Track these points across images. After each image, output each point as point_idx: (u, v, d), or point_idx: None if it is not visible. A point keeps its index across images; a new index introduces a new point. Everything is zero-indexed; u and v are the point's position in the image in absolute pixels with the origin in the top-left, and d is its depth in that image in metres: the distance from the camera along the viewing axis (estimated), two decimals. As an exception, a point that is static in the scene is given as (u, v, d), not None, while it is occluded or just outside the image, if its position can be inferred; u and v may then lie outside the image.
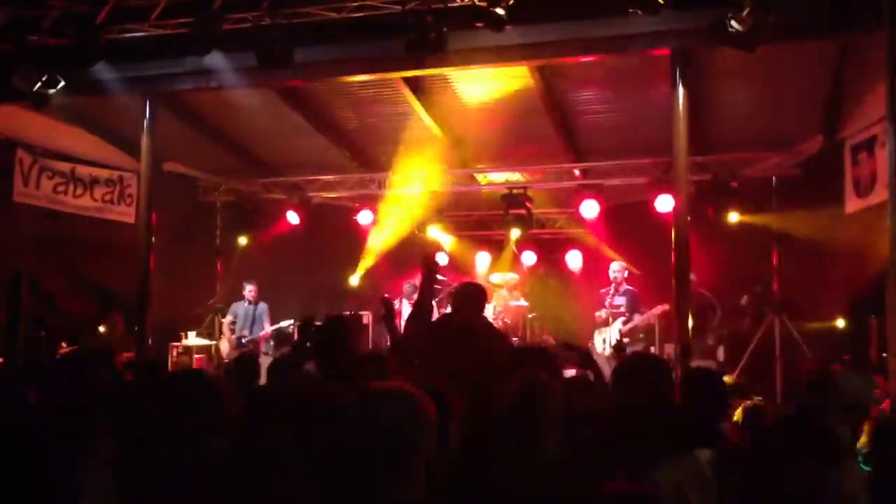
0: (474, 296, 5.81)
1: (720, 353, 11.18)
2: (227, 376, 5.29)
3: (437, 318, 6.25)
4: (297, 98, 10.83)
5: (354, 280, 13.98)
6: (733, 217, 11.13)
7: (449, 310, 6.43)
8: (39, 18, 8.74)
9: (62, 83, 8.98)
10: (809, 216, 10.85)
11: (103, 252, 11.10)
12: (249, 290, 12.09)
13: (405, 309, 11.52)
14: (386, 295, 6.04)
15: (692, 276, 9.02)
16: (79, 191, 11.67)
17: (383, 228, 13.87)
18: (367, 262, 13.96)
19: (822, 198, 10.61)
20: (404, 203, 13.62)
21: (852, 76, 9.20)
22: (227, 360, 11.15)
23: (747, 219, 11.26)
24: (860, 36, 7.98)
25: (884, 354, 7.41)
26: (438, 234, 12.95)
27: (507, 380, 3.40)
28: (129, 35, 8.81)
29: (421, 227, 12.92)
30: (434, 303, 7.06)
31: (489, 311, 12.30)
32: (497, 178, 13.16)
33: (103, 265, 10.80)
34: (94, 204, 11.89)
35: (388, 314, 5.73)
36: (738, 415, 5.34)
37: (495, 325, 11.80)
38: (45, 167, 11.19)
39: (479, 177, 13.18)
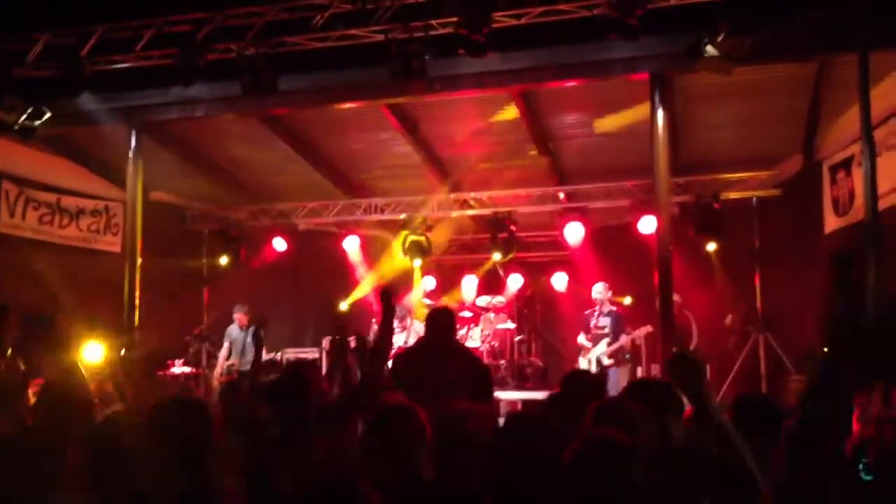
0: (446, 319, 5.90)
1: (706, 373, 11.23)
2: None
3: (413, 345, 6.31)
4: (282, 126, 10.91)
5: (344, 305, 14.00)
6: (715, 237, 11.25)
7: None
8: (25, 50, 8.81)
9: (48, 114, 9.02)
10: (790, 235, 10.98)
11: (89, 282, 11.07)
12: (238, 315, 11.88)
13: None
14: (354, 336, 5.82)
15: (676, 297, 9.11)
16: (65, 221, 11.67)
17: (370, 255, 13.95)
18: (358, 289, 13.99)
19: (802, 217, 10.75)
20: (389, 228, 13.72)
21: (829, 96, 9.36)
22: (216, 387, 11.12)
23: (730, 239, 11.39)
24: (835, 58, 8.14)
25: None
26: (422, 260, 13.00)
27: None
28: (113, 66, 8.88)
29: (407, 252, 12.96)
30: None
31: (476, 334, 12.35)
32: (482, 203, 13.25)
33: (89, 295, 10.76)
34: (79, 234, 11.88)
35: (361, 349, 5.42)
36: None
37: (482, 348, 11.91)
38: (31, 198, 11.19)
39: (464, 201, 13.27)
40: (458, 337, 6.41)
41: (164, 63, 8.71)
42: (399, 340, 10.98)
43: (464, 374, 5.43)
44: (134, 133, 10.03)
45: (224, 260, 13.11)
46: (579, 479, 2.48)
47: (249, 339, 11.93)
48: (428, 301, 12.65)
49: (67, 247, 11.66)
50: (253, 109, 9.68)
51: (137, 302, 9.85)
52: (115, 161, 10.81)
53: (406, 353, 6.27)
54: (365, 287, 13.97)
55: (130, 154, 10.06)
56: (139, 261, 10.03)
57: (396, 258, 13.46)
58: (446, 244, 14.53)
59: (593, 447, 2.55)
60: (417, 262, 12.98)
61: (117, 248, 11.89)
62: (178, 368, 11.65)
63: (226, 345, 12.02)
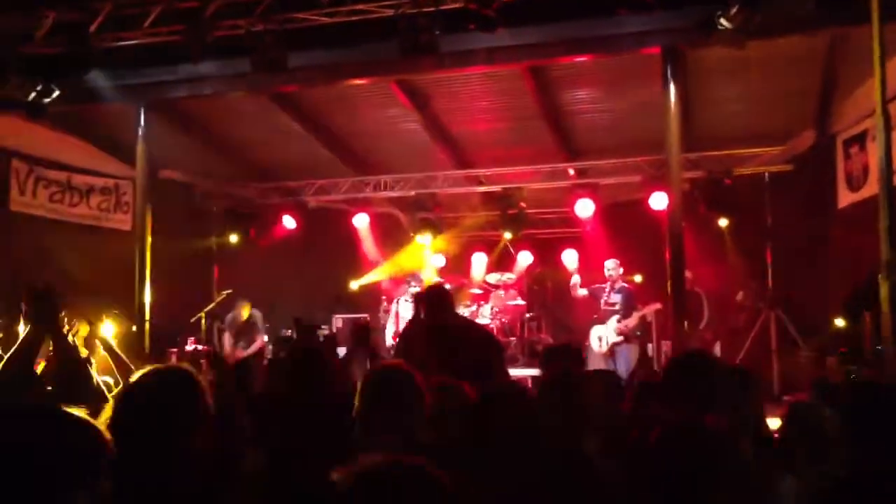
0: (443, 297, 5.91)
1: (717, 349, 11.23)
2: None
3: (413, 326, 6.23)
4: (291, 103, 10.87)
5: (355, 285, 14.02)
6: (727, 214, 11.20)
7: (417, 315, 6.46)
8: (33, 27, 8.78)
9: (57, 92, 9.01)
10: (802, 211, 10.92)
11: (100, 260, 11.10)
12: (237, 311, 11.60)
13: (403, 310, 11.52)
14: (365, 320, 5.80)
15: (687, 274, 9.07)
16: (75, 199, 11.70)
17: (380, 232, 13.96)
18: (370, 273, 14.00)
19: (814, 192, 10.68)
20: (399, 205, 13.71)
21: (843, 71, 9.26)
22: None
23: (741, 215, 11.33)
24: (849, 30, 8.04)
25: (878, 347, 7.45)
26: (432, 237, 13.00)
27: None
28: (122, 43, 8.84)
29: (417, 230, 12.95)
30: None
31: (486, 311, 12.36)
32: (492, 179, 13.21)
33: (100, 273, 10.80)
34: (90, 212, 11.91)
35: (363, 339, 5.42)
36: None
37: (492, 325, 11.91)
38: (41, 176, 11.22)
39: (474, 177, 13.23)
40: (456, 312, 6.35)
41: (172, 40, 8.66)
42: (409, 313, 11.03)
43: (479, 351, 5.45)
44: (143, 110, 10.00)
45: (234, 238, 13.14)
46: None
47: (257, 323, 11.89)
48: (439, 279, 12.64)
49: (78, 225, 11.70)
50: (262, 87, 9.64)
51: (148, 280, 9.87)
52: (124, 139, 10.80)
53: (411, 333, 6.18)
54: (377, 272, 13.99)
55: (139, 132, 10.04)
56: (149, 239, 10.04)
57: (407, 236, 13.47)
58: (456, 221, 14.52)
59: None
60: (427, 240, 12.97)
61: (128, 227, 11.92)
62: (191, 346, 11.70)
63: (227, 333, 11.84)
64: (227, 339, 11.83)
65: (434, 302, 5.79)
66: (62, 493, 1.68)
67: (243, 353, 11.49)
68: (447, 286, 6.65)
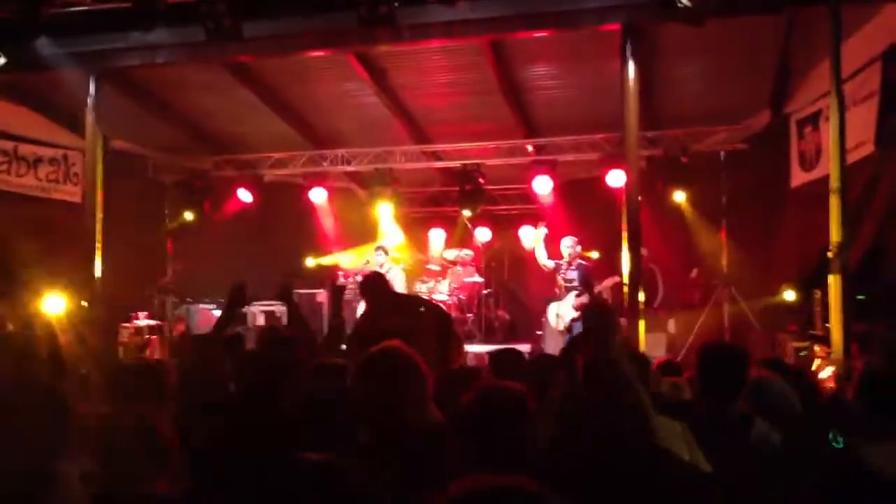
0: (381, 282, 6.17)
1: (671, 326, 11.37)
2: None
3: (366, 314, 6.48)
4: (247, 74, 10.68)
5: (311, 262, 13.89)
6: (683, 191, 11.30)
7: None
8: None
9: (3, 59, 8.72)
10: (757, 190, 11.06)
11: (49, 232, 10.85)
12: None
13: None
14: (338, 280, 6.39)
15: (643, 251, 9.14)
16: (22, 170, 11.38)
17: (336, 207, 13.83)
18: (333, 255, 13.90)
19: (768, 172, 10.82)
20: (356, 180, 13.59)
21: (798, 51, 9.34)
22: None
23: (697, 193, 11.45)
24: (805, 10, 8.11)
25: (826, 325, 7.60)
26: (389, 211, 12.91)
27: None
28: (71, 9, 8.57)
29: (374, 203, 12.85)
30: None
31: (443, 287, 12.35)
32: (450, 154, 13.16)
33: (49, 245, 10.56)
34: (38, 183, 11.61)
35: (337, 295, 5.98)
36: None
37: (449, 301, 11.91)
38: (-13, 146, 10.91)
39: (432, 153, 13.17)
40: (396, 292, 6.60)
41: (122, 7, 8.42)
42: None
43: (428, 320, 5.51)
44: (93, 79, 9.71)
45: (188, 214, 12.92)
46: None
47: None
48: (396, 254, 12.59)
49: (25, 196, 11.40)
50: (216, 56, 9.41)
51: (98, 253, 9.66)
52: (73, 108, 10.50)
53: (367, 320, 6.35)
54: (335, 256, 13.86)
55: (90, 101, 9.75)
56: (100, 212, 9.82)
57: (364, 211, 13.38)
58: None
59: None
60: (384, 214, 12.88)
61: (77, 198, 11.63)
62: (143, 321, 11.53)
63: None
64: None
65: (373, 290, 5.93)
66: None
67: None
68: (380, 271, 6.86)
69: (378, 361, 3.10)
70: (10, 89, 10.21)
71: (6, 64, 8.77)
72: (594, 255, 11.39)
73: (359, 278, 11.53)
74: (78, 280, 9.49)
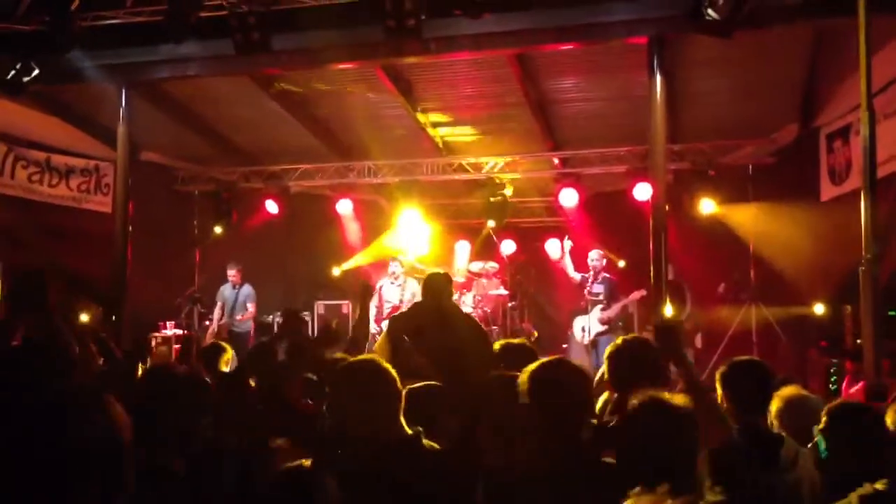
0: (443, 284, 6.04)
1: (698, 340, 11.27)
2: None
3: (412, 308, 6.56)
4: (275, 86, 10.76)
5: (337, 271, 13.93)
6: (710, 205, 11.21)
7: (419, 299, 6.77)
8: (12, 5, 8.62)
9: (36, 71, 8.85)
10: (785, 204, 10.94)
11: (79, 242, 10.99)
12: (232, 273, 12.06)
13: (386, 292, 11.40)
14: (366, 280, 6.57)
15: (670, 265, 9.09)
16: (54, 180, 11.56)
17: (363, 219, 13.88)
18: (353, 259, 13.94)
19: (797, 186, 10.71)
20: (382, 192, 13.62)
21: (828, 64, 9.26)
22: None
23: (724, 207, 11.34)
24: (835, 22, 8.03)
25: (858, 341, 7.48)
26: (414, 222, 12.92)
27: None
28: (103, 22, 8.70)
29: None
30: None
31: (468, 300, 12.32)
32: (476, 167, 13.16)
33: (79, 255, 10.68)
34: (69, 193, 11.78)
35: (364, 295, 6.14)
36: None
37: (474, 314, 11.87)
38: (20, 156, 11.07)
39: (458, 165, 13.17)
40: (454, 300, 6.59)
41: (153, 20, 8.54)
42: (393, 294, 11.00)
43: (468, 337, 5.50)
44: (124, 91, 9.86)
45: (217, 228, 13.03)
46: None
47: (241, 298, 11.99)
48: (420, 265, 12.58)
49: (57, 206, 11.56)
50: (245, 69, 9.53)
51: (128, 263, 9.76)
52: (105, 120, 10.67)
53: (405, 314, 6.41)
54: (358, 257, 13.92)
55: (121, 113, 9.90)
56: (129, 222, 9.93)
57: (390, 223, 13.40)
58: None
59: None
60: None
61: (108, 209, 11.78)
62: (170, 331, 11.63)
63: (218, 304, 12.06)
64: (217, 310, 11.95)
65: (438, 288, 5.92)
66: None
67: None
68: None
69: (357, 372, 3.18)
70: (43, 100, 10.37)
71: (39, 75, 8.91)
72: (621, 263, 11.33)
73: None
74: (107, 289, 9.59)
